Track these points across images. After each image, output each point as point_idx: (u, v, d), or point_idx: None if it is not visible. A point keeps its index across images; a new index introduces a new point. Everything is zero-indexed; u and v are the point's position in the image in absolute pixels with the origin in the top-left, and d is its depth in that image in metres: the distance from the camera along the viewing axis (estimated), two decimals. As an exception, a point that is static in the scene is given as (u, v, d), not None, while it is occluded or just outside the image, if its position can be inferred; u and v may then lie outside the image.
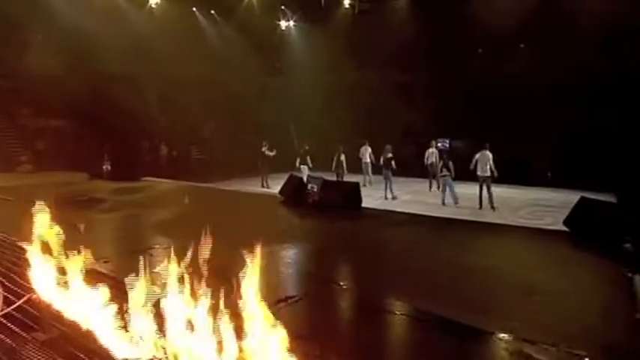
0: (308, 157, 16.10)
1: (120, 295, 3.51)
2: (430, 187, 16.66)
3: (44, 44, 18.75)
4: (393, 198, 14.28)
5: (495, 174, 12.82)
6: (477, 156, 13.08)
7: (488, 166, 12.80)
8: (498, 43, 24.99)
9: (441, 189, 13.66)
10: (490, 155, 12.87)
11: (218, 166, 19.99)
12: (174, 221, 9.35)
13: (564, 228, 9.32)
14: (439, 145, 22.70)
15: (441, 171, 13.48)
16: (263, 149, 16.77)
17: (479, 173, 12.87)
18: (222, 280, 3.19)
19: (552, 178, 20.06)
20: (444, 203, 13.38)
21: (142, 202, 11.72)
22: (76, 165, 17.05)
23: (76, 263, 3.84)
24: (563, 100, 21.61)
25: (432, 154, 16.90)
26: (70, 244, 3.91)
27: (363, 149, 17.72)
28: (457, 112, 23.21)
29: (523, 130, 21.13)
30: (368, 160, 17.51)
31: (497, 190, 13.33)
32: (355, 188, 10.41)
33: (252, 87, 27.32)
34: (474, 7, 23.48)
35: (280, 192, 11.73)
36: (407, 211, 11.67)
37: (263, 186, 16.80)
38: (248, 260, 3.12)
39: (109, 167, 15.90)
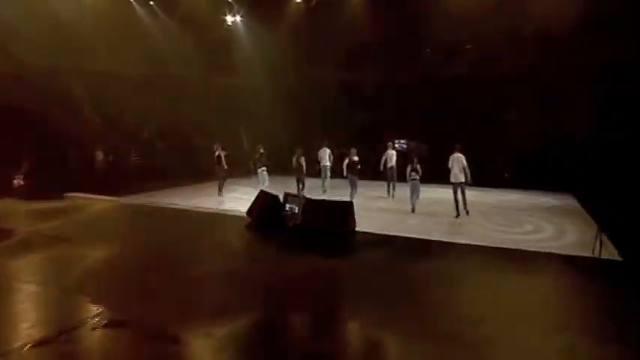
0: (265, 160, 13.42)
1: None
2: (388, 192, 14.47)
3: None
4: None
5: (469, 179, 11.00)
6: (450, 160, 11.15)
7: (462, 171, 10.88)
8: (446, 43, 23.58)
9: (409, 194, 11.58)
10: (463, 158, 10.95)
11: (162, 173, 16.72)
12: (107, 269, 6.29)
13: (582, 253, 7.36)
14: (397, 146, 20.83)
15: (410, 175, 11.40)
16: (217, 152, 13.83)
17: (452, 180, 11.03)
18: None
19: (509, 179, 18.73)
20: (413, 210, 11.49)
21: (64, 234, 8.12)
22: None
23: None
24: (515, 99, 20.47)
25: (390, 157, 14.62)
26: None
27: (321, 151, 15.27)
28: (414, 112, 21.44)
29: (478, 130, 19.73)
30: (327, 163, 15.10)
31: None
32: (347, 209, 7.47)
33: (197, 86, 23.95)
34: (425, 6, 21.82)
35: (248, 212, 8.66)
36: (384, 231, 9.27)
37: (220, 194, 13.94)
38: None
39: (21, 181, 11.96)
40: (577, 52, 19.00)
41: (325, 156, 15.20)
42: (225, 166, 13.88)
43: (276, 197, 8.28)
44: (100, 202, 11.10)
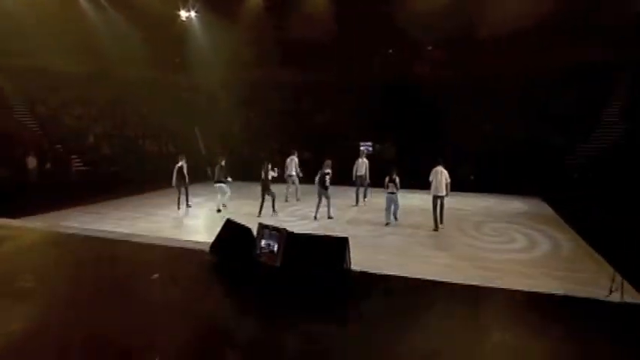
0: (225, 172, 11.70)
1: None
2: (357, 201, 13.29)
3: None
4: (329, 217, 10.83)
5: (448, 192, 10.13)
6: (432, 173, 10.17)
7: (444, 184, 9.99)
8: (409, 44, 22.69)
9: (385, 207, 10.44)
10: (446, 173, 10.11)
11: (109, 181, 14.61)
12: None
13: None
14: (362, 148, 19.57)
15: (387, 187, 10.24)
16: (180, 163, 12.05)
17: (433, 193, 10.08)
18: None
19: (475, 181, 17.93)
20: (387, 223, 10.35)
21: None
22: None
23: None
24: (481, 102, 19.79)
25: (362, 165, 13.41)
26: None
27: (288, 160, 13.72)
28: (378, 114, 20.29)
29: (443, 131, 18.88)
30: (293, 172, 13.61)
31: (425, 197, 10.59)
32: (342, 246, 5.24)
33: (148, 85, 21.69)
34: (388, 7, 20.76)
35: (212, 247, 6.34)
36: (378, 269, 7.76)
37: (179, 208, 12.13)
38: None
39: None
40: (537, 54, 18.64)
41: (292, 165, 13.68)
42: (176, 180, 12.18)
43: (247, 231, 6.02)
44: (23, 234, 8.59)
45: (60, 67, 18.01)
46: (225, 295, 5.40)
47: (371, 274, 5.64)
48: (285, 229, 5.47)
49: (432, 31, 20.93)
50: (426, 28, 20.72)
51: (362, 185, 13.27)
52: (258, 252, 5.48)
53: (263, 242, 5.50)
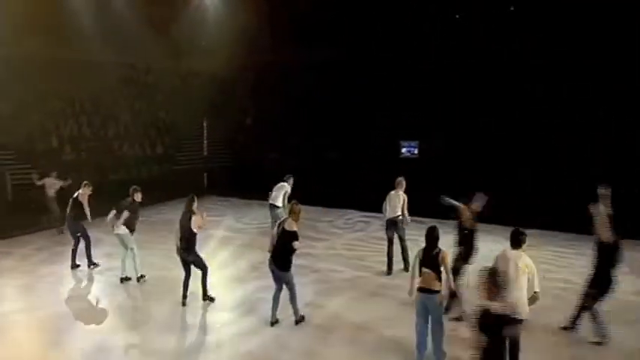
0: (135, 210, 6.44)
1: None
2: (390, 268, 7.04)
3: None
4: (296, 321, 5.31)
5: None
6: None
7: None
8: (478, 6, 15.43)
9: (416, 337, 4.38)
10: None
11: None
12: None
13: None
14: (404, 150, 13.25)
15: (420, 272, 4.19)
16: (78, 192, 7.16)
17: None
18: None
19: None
20: None
21: None
22: None
23: None
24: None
25: (394, 202, 6.97)
26: None
27: (277, 188, 8.16)
28: (419, 101, 13.51)
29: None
30: (279, 203, 8.02)
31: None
32: None
33: (149, 73, 17.06)
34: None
35: None
36: None
37: (75, 266, 7.36)
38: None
39: None
40: None
41: (280, 195, 8.06)
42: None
43: None
44: None
45: (21, 50, 13.59)
46: None
47: None
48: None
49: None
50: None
51: (397, 233, 7.04)
52: None
53: None
